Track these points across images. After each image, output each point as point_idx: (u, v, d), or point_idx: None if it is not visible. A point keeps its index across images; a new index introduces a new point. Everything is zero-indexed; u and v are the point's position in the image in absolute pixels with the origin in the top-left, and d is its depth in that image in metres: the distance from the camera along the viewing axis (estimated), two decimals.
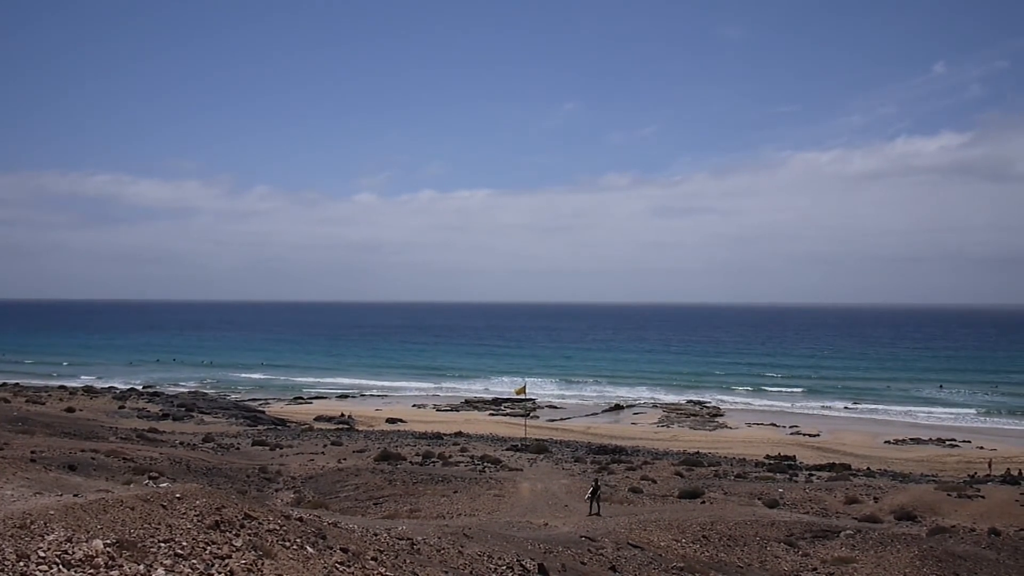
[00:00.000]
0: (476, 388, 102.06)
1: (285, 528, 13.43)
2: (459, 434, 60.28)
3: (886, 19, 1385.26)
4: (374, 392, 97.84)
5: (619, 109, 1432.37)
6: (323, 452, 45.11)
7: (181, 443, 45.31)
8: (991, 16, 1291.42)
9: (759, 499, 34.44)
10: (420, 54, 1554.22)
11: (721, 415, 79.95)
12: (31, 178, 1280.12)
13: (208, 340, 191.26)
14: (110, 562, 9.92)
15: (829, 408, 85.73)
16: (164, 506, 12.38)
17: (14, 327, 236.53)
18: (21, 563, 9.33)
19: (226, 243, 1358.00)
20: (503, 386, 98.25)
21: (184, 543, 11.12)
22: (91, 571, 9.61)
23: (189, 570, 10.33)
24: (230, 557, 11.12)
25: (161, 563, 10.28)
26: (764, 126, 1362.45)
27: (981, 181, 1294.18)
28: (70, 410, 59.74)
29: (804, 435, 67.68)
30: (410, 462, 41.41)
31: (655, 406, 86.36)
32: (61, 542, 10.17)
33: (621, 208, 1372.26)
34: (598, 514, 28.66)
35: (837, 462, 50.59)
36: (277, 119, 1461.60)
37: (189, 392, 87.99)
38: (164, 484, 18.03)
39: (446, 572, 15.33)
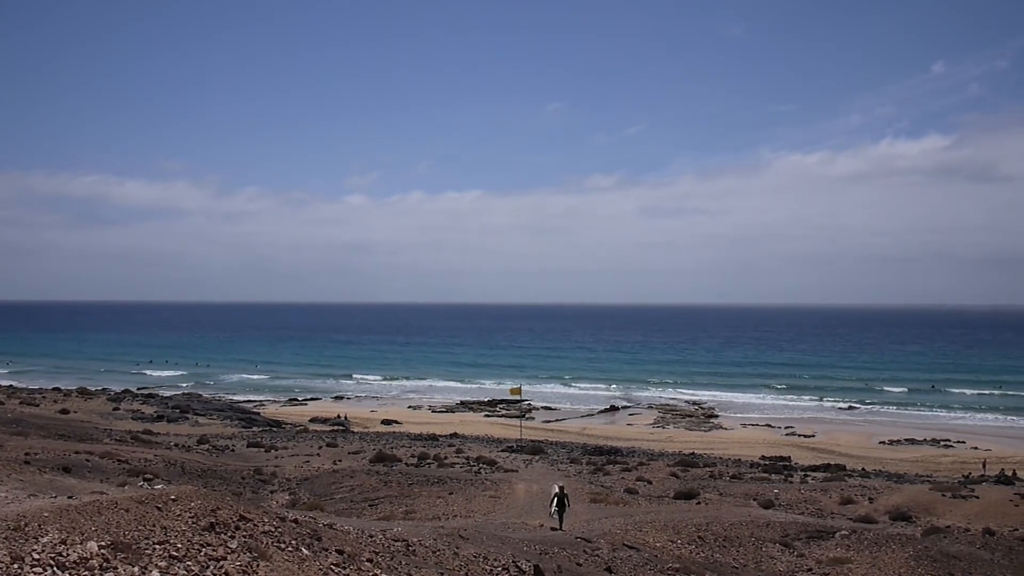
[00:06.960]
0: (470, 389, 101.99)
1: (280, 530, 13.40)
2: (455, 435, 60.29)
3: (884, 19, 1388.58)
4: (369, 394, 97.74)
5: (610, 109, 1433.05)
6: (318, 454, 45.04)
7: (176, 445, 45.19)
8: (991, 16, 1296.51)
9: (754, 500, 34.54)
10: (409, 55, 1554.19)
11: (716, 416, 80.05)
12: (18, 178, 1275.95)
13: (201, 341, 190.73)
14: (105, 564, 9.88)
15: (824, 409, 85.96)
16: (159, 508, 12.33)
17: (10, 328, 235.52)
18: (15, 565, 9.29)
19: (216, 244, 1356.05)
20: (497, 387, 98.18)
21: (179, 545, 11.08)
22: (86, 573, 9.57)
23: (184, 572, 10.30)
24: (225, 559, 11.09)
25: (156, 565, 10.24)
26: (758, 126, 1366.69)
27: (968, 182, 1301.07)
28: (64, 412, 59.55)
29: (799, 436, 67.83)
30: (405, 463, 41.40)
31: (650, 407, 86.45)
32: (56, 544, 10.12)
33: (611, 208, 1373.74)
34: (559, 528, 24.58)
35: (832, 463, 50.72)
36: (266, 119, 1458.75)
37: (184, 394, 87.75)
38: (159, 486, 17.99)
39: (441, 574, 15.31)
